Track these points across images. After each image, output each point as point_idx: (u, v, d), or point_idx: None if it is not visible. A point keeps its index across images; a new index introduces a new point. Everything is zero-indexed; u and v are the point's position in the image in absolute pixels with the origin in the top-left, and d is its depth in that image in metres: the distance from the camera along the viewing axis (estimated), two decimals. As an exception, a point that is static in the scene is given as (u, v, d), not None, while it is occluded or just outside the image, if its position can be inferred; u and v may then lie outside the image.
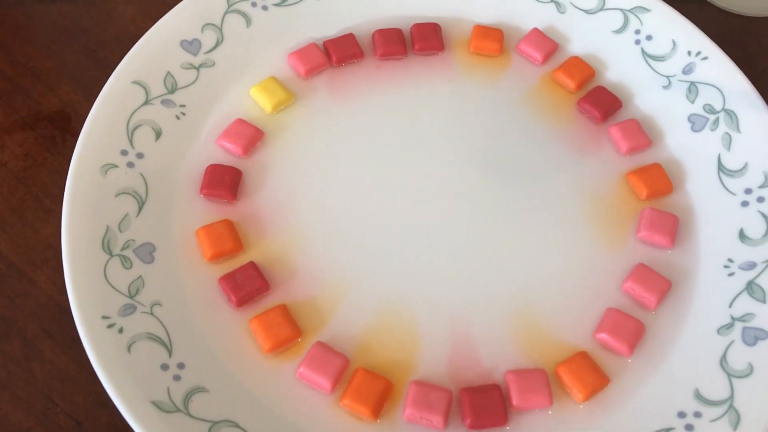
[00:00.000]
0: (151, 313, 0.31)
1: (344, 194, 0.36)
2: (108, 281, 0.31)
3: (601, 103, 0.39)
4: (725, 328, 0.33)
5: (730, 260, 0.35)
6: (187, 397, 0.30)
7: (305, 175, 0.37)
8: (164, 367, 0.30)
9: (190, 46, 0.38)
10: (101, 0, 0.43)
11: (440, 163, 0.38)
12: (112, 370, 0.29)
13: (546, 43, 0.41)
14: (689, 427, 0.30)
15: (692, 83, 0.39)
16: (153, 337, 0.31)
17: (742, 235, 0.35)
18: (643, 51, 0.41)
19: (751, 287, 0.34)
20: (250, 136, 0.37)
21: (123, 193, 0.34)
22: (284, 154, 0.37)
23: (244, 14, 0.40)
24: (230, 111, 0.38)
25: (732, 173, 0.37)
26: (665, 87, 0.40)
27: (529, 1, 0.42)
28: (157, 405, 0.29)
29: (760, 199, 0.36)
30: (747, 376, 0.31)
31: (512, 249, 0.35)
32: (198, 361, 0.31)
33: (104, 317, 0.30)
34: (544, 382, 0.31)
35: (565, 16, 0.42)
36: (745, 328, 0.32)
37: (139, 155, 0.35)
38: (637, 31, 0.41)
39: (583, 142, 0.39)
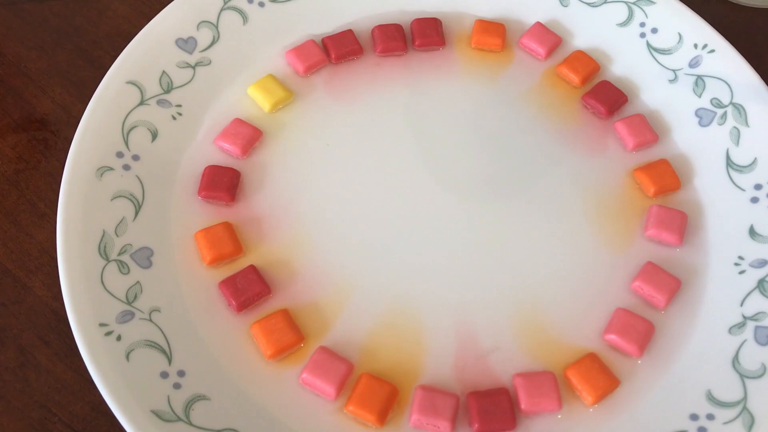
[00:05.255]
0: (150, 320, 0.31)
1: (345, 194, 0.35)
2: (105, 287, 0.31)
3: (606, 98, 0.38)
4: (737, 328, 0.32)
5: (740, 257, 0.34)
6: (188, 406, 0.29)
7: (305, 175, 0.36)
8: (164, 375, 0.29)
9: (186, 44, 0.37)
10: (94, -2, 0.42)
11: (442, 161, 0.37)
12: (111, 379, 0.28)
13: (549, 38, 0.40)
14: (702, 429, 0.30)
15: (699, 77, 0.38)
16: (152, 344, 0.30)
17: (752, 232, 0.34)
18: (648, 44, 0.40)
19: (762, 285, 0.33)
20: (249, 136, 0.36)
21: (119, 196, 0.33)
22: (283, 154, 0.36)
23: (240, 11, 0.39)
24: (228, 110, 0.37)
25: (741, 168, 0.36)
26: (672, 81, 0.39)
27: (532, -6, 0.41)
28: (157, 414, 0.28)
29: (770, 195, 0.35)
30: (760, 376, 0.31)
31: (517, 249, 0.35)
32: (198, 369, 0.30)
33: (102, 325, 0.30)
34: (553, 385, 0.31)
35: (568, 10, 0.41)
36: (757, 327, 0.32)
37: (135, 157, 0.34)
38: (642, 24, 0.40)
39: (588, 139, 0.38)
